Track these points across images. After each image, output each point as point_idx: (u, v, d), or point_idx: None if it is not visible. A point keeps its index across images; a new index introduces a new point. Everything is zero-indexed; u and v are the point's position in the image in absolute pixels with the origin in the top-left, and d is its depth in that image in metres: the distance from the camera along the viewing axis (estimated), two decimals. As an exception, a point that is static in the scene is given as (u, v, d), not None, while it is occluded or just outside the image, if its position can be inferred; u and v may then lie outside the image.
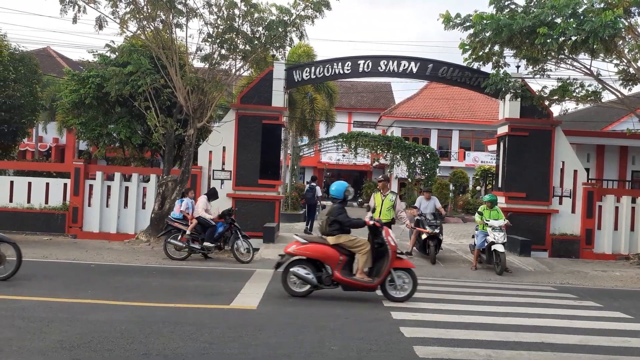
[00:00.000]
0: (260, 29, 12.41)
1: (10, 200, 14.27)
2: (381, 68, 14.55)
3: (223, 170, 14.39)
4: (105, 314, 6.02)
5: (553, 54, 11.77)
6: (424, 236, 11.86)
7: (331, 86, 25.13)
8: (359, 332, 5.73)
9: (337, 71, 14.67)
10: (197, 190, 13.44)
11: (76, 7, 11.60)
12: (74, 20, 11.59)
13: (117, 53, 14.88)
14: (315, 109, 24.84)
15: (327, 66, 14.66)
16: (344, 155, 34.86)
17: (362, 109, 41.32)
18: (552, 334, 5.96)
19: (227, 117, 14.72)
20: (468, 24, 11.55)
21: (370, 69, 14.60)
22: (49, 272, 8.93)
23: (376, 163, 36.01)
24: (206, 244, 10.83)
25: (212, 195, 11.67)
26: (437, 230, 11.71)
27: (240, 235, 11.00)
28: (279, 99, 14.29)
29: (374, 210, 10.15)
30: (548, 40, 10.50)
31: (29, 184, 14.48)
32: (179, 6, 12.07)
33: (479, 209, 11.25)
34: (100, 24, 11.91)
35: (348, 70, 14.64)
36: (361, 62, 14.52)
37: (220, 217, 11.26)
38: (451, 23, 11.71)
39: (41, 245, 11.95)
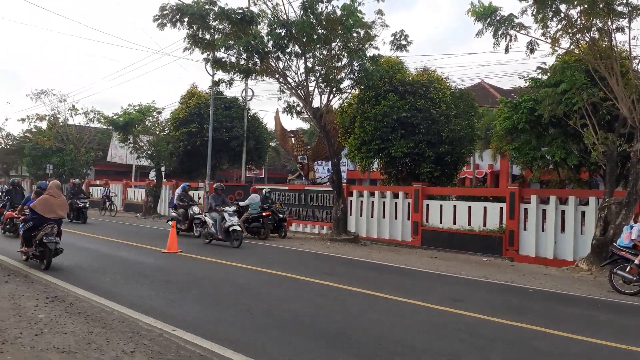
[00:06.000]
0: None
1: (454, 223, 16.01)
2: None
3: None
4: (547, 343, 5.72)
5: None
6: None
7: None
8: None
9: None
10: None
11: (507, 37, 12.08)
12: (506, 50, 12.06)
13: (548, 74, 14.64)
14: None
15: None
16: None
17: None
18: None
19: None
20: None
21: None
22: (490, 293, 9.34)
23: None
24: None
25: None
26: None
27: None
28: None
29: None
30: None
31: (469, 208, 15.89)
32: (619, 8, 10.77)
33: None
34: (531, 47, 12.05)
35: None
36: None
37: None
38: None
39: (481, 266, 12.75)
